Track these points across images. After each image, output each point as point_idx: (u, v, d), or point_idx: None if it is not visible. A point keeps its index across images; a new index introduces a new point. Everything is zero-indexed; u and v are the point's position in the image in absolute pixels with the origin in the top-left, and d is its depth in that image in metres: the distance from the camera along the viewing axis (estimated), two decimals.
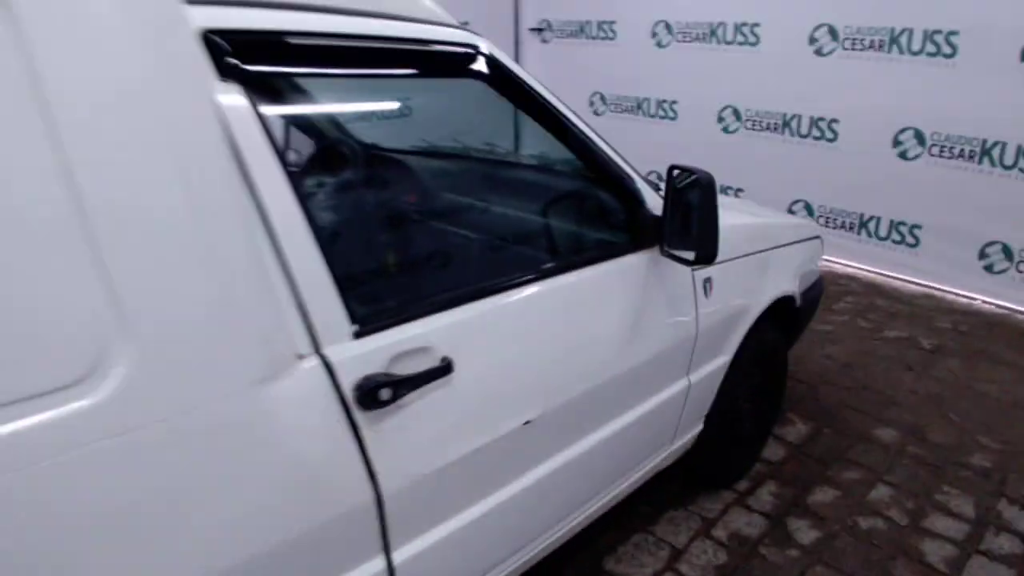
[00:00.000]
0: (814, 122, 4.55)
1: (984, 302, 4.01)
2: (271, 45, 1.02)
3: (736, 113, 4.91)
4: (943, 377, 3.19)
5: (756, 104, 4.79)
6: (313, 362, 1.01)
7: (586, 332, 1.50)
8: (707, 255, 1.52)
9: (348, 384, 1.03)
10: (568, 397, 1.43)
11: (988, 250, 3.96)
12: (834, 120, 4.46)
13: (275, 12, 1.03)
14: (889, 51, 4.07)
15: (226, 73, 0.95)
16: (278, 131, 1.02)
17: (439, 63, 1.31)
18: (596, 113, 5.78)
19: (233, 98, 0.95)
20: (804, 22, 4.38)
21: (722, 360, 2.02)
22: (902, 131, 4.13)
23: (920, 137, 4.07)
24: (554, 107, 1.48)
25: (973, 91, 3.76)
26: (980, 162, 3.85)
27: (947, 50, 3.82)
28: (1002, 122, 3.71)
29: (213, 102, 0.90)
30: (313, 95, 1.50)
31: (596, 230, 1.72)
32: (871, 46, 4.13)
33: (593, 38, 5.61)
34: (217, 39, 0.95)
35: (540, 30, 5.96)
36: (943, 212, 4.08)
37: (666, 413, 1.82)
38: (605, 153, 1.58)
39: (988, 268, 3.99)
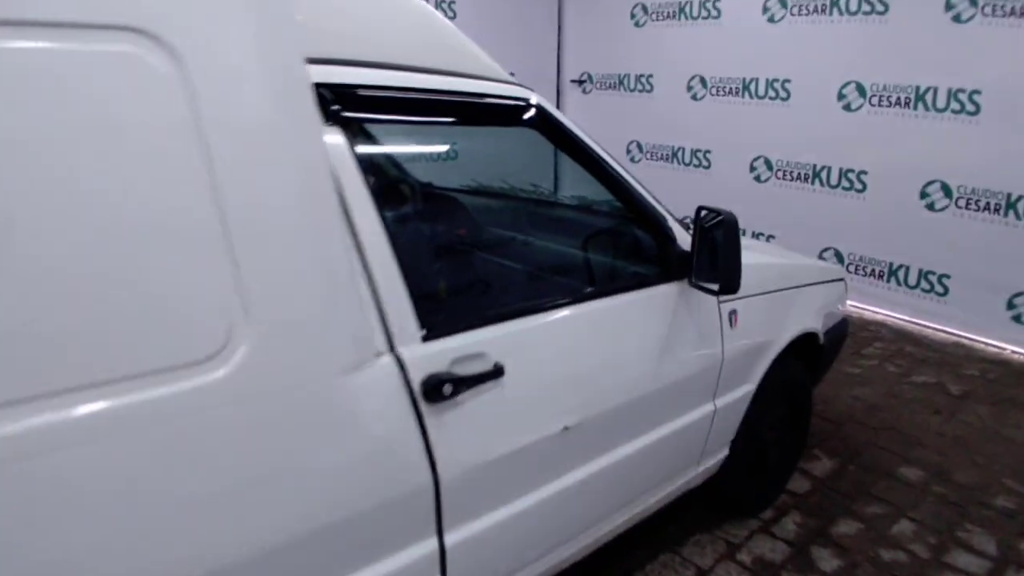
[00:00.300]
0: (843, 173, 4.71)
1: (1013, 352, 4.06)
2: (366, 97, 1.24)
3: (768, 163, 5.09)
4: (970, 421, 3.25)
5: (787, 155, 4.97)
6: (388, 359, 1.19)
7: (620, 351, 1.66)
8: (731, 286, 1.69)
9: (416, 379, 1.22)
10: (602, 409, 1.59)
11: (1016, 300, 4.03)
12: (863, 172, 4.60)
13: (370, 71, 1.25)
14: (915, 108, 4.23)
15: (329, 118, 1.17)
16: (367, 166, 1.23)
17: (499, 114, 1.53)
18: (633, 160, 6.02)
19: (334, 138, 1.17)
20: (833, 79, 4.58)
21: (747, 389, 2.16)
22: (929, 184, 4.26)
23: (947, 190, 4.19)
24: (595, 152, 1.68)
25: (997, 147, 3.89)
26: (1006, 215, 3.95)
27: (971, 108, 3.97)
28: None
29: (322, 140, 1.12)
30: (397, 138, 1.73)
31: (632, 262, 1.90)
32: (897, 103, 4.30)
33: (632, 90, 5.88)
34: (324, 91, 1.17)
35: (581, 82, 6.27)
36: (971, 263, 4.16)
37: (692, 434, 1.96)
38: (640, 194, 1.77)
39: (1016, 318, 4.04)
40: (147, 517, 0.93)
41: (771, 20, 4.87)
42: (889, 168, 4.44)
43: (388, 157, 1.89)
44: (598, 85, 6.18)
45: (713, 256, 1.71)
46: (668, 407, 1.84)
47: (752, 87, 5.06)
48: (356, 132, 1.21)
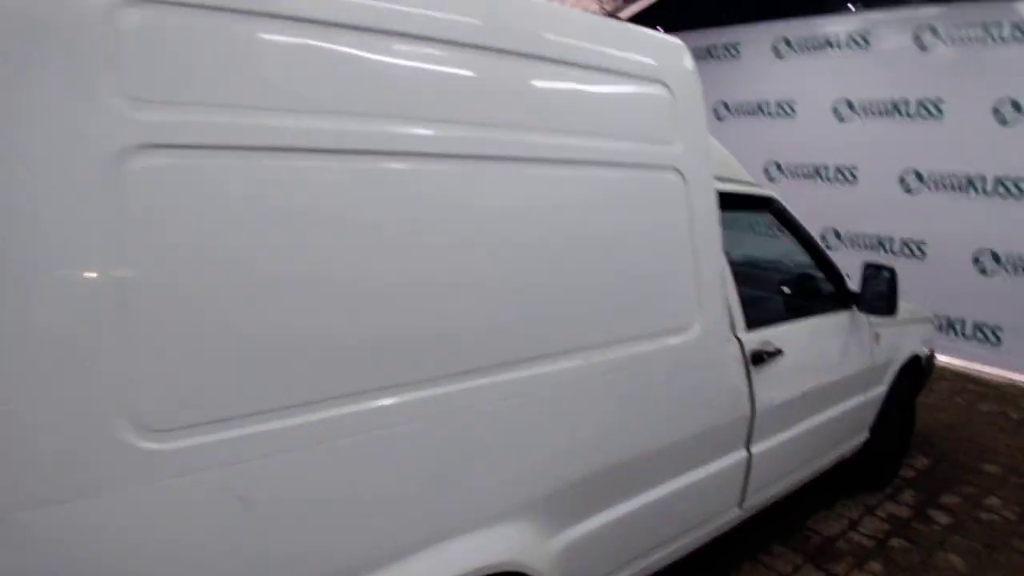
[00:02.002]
0: (904, 242, 5.71)
1: None
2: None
3: (837, 234, 6.10)
4: None
5: (856, 228, 5.98)
6: (734, 338, 2.18)
7: (828, 349, 2.66)
8: (893, 310, 2.69)
9: (748, 351, 2.20)
10: (821, 384, 2.57)
11: None
12: (922, 242, 5.61)
13: (718, 182, 2.29)
14: (966, 191, 5.27)
15: None
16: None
17: (758, 204, 2.56)
18: (771, 179, 6.60)
19: None
20: (895, 166, 5.65)
21: (882, 388, 3.12)
22: (980, 251, 5.25)
23: (996, 257, 5.18)
24: (804, 228, 2.70)
25: None
26: None
27: (1015, 192, 5.01)
28: None
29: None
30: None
31: (824, 296, 2.87)
32: (951, 187, 5.35)
33: (771, 115, 6.60)
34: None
35: (714, 111, 6.94)
36: (1019, 316, 5.10)
37: (859, 411, 2.92)
38: (826, 254, 2.79)
39: None
40: (615, 414, 1.80)
41: (840, 120, 5.99)
42: (945, 239, 5.44)
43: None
44: (734, 112, 6.83)
45: (876, 292, 2.71)
46: (850, 388, 2.82)
47: (823, 172, 6.14)
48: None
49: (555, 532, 1.66)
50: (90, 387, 1.02)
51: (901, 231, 5.74)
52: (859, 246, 5.97)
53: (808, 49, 6.23)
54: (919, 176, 5.54)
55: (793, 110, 6.37)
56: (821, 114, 6.12)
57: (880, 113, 5.73)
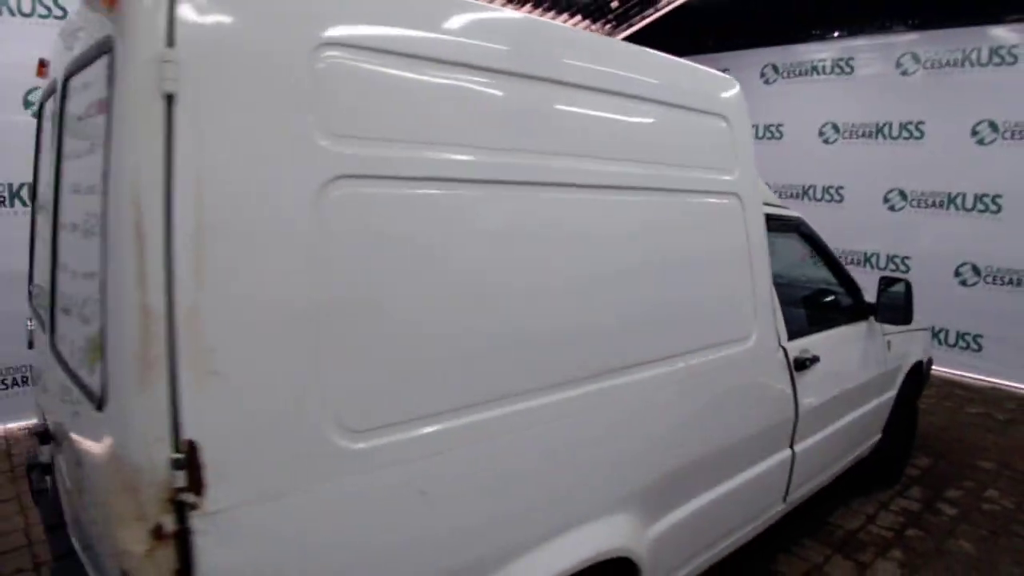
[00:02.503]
0: (890, 258, 6.07)
1: None
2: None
3: None
4: (1017, 435, 4.48)
5: (844, 244, 6.32)
6: (780, 347, 2.42)
7: (852, 356, 2.92)
8: (909, 320, 2.96)
9: (792, 358, 2.44)
10: (850, 387, 2.83)
11: None
12: (907, 256, 5.97)
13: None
14: (947, 209, 5.65)
15: None
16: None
17: (785, 224, 2.83)
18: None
19: None
20: (880, 185, 6.02)
21: (892, 392, 3.39)
22: (961, 265, 5.62)
23: (976, 269, 5.55)
24: (827, 247, 2.97)
25: (1015, 237, 5.28)
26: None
27: (993, 208, 5.39)
28: None
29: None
30: None
31: (845, 309, 3.14)
32: (933, 204, 5.72)
33: (760, 138, 6.82)
34: None
35: None
36: (999, 324, 5.47)
37: (877, 411, 3.19)
38: (846, 270, 3.06)
39: None
40: (694, 415, 2.04)
41: (826, 142, 6.36)
42: (928, 253, 5.80)
43: None
44: None
45: (893, 303, 2.99)
46: (869, 392, 3.08)
47: (811, 192, 6.49)
48: None
49: (650, 522, 1.87)
50: (308, 393, 1.18)
51: (887, 247, 6.10)
52: (847, 262, 6.31)
53: (795, 75, 6.61)
54: (903, 195, 5.91)
55: (781, 133, 6.73)
56: (808, 137, 6.49)
57: (865, 135, 6.11)
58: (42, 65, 1.98)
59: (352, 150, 1.23)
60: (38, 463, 1.84)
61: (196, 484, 1.05)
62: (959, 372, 5.76)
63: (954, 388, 5.50)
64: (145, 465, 1.03)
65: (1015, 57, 5.28)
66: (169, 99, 1.02)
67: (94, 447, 1.17)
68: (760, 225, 2.30)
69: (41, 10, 4.02)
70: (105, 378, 1.09)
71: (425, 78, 1.36)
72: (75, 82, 1.42)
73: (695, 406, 2.02)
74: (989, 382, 5.59)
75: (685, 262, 1.97)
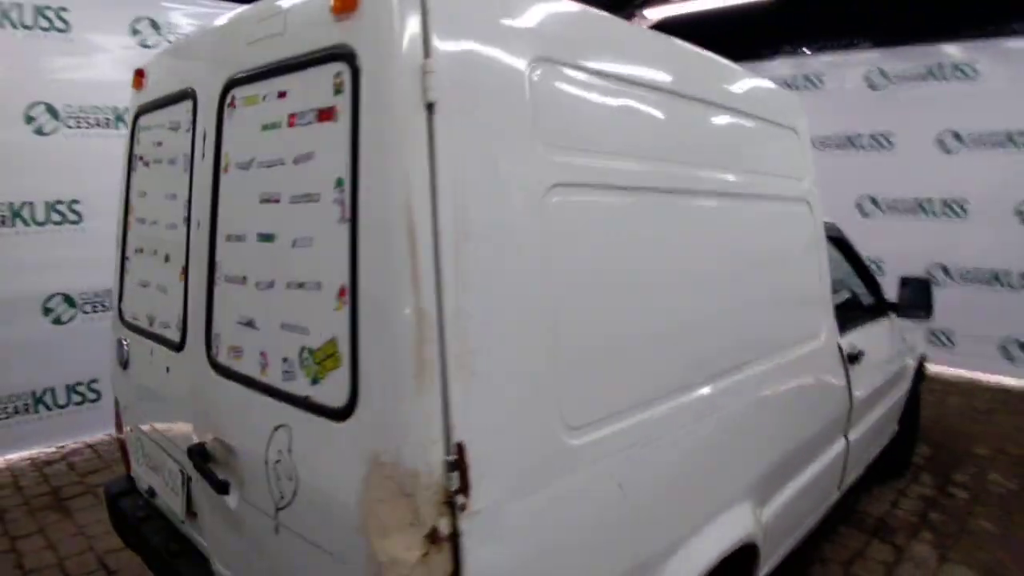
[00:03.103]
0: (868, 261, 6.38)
1: (1009, 382, 5.69)
2: None
3: None
4: (1001, 422, 4.79)
5: None
6: (837, 343, 2.56)
7: (884, 349, 3.10)
8: (929, 314, 3.16)
9: (844, 351, 2.59)
10: (883, 379, 3.00)
11: (1006, 343, 5.70)
12: (880, 259, 6.29)
13: None
14: (916, 214, 6.01)
15: None
16: None
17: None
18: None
19: None
20: (851, 194, 6.34)
21: (907, 384, 3.60)
22: (931, 266, 5.97)
23: (946, 270, 5.91)
24: (854, 248, 3.15)
25: (981, 238, 5.66)
26: (991, 285, 5.68)
27: (960, 212, 5.76)
28: (1007, 257, 5.58)
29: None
30: None
31: (871, 307, 3.32)
32: (903, 210, 6.08)
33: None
34: None
35: None
36: (969, 321, 5.83)
37: (896, 407, 3.38)
38: (871, 273, 3.25)
39: (1008, 358, 5.71)
40: (788, 407, 2.18)
41: None
42: (900, 257, 6.13)
43: None
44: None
45: (914, 299, 3.19)
46: (895, 383, 3.27)
47: None
48: None
49: (761, 510, 1.97)
50: (546, 392, 1.22)
51: (860, 251, 6.39)
52: None
53: None
54: (874, 201, 6.25)
55: None
56: None
57: (836, 146, 6.43)
58: (140, 75, 1.94)
59: (562, 159, 1.30)
60: (128, 489, 1.80)
61: (465, 485, 1.07)
62: (935, 367, 6.07)
63: (932, 382, 5.79)
64: (421, 469, 1.04)
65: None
66: (430, 108, 1.05)
67: (330, 459, 1.16)
68: (822, 229, 2.45)
69: (43, 22, 3.90)
70: (355, 386, 1.10)
71: (612, 95, 1.46)
72: (246, 91, 1.40)
73: (788, 398, 2.13)
74: (962, 375, 5.94)
75: (781, 263, 2.11)
